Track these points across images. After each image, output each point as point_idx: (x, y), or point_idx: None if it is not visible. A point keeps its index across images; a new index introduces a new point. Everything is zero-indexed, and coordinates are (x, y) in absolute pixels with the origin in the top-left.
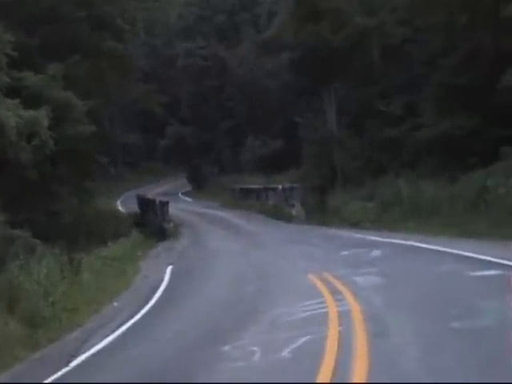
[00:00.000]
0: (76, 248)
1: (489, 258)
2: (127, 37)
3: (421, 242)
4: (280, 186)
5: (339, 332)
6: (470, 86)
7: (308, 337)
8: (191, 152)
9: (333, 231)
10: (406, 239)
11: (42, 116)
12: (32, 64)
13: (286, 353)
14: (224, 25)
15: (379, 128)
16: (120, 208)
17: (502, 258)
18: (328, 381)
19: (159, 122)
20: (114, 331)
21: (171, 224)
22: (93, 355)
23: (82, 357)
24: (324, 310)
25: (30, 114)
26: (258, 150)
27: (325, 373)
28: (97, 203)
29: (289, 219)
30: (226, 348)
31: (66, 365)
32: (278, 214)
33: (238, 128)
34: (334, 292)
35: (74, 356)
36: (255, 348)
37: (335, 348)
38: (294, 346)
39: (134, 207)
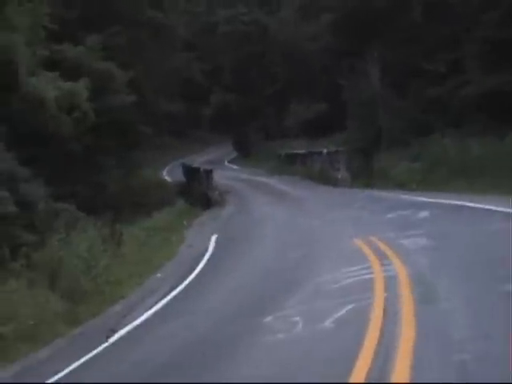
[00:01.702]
0: (121, 219)
1: None
2: (167, 5)
3: (469, 201)
4: (325, 150)
5: (385, 299)
6: None
7: (352, 305)
8: (236, 119)
9: (379, 193)
10: (453, 199)
11: (82, 88)
12: (71, 36)
13: (329, 323)
14: None
15: (424, 87)
16: (166, 177)
17: None
18: (372, 352)
19: (203, 91)
20: (155, 304)
21: (216, 192)
22: (132, 329)
23: (122, 331)
24: (370, 276)
25: (69, 86)
26: (302, 114)
27: (369, 345)
28: (142, 173)
29: (335, 183)
30: (268, 319)
31: (106, 340)
32: (324, 179)
33: (282, 93)
34: (381, 256)
35: (114, 331)
36: (297, 318)
37: (380, 317)
38: (338, 315)
39: (180, 176)
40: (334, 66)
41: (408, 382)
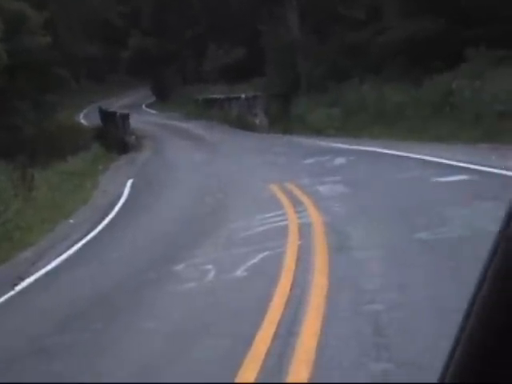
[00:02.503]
0: (36, 163)
1: (455, 163)
2: None
3: (386, 147)
4: (243, 95)
5: (298, 246)
6: None
7: (266, 253)
8: (154, 63)
9: (296, 139)
10: (370, 145)
11: None
12: None
13: (241, 271)
14: None
15: (343, 33)
16: (83, 121)
17: (468, 163)
18: (283, 302)
19: (121, 34)
20: (66, 251)
21: (133, 137)
22: (40, 277)
23: (30, 279)
24: (284, 223)
25: None
26: (221, 59)
27: (280, 294)
28: (59, 117)
29: (252, 128)
30: (180, 267)
31: (12, 288)
32: (242, 124)
33: (201, 37)
34: (296, 203)
35: (22, 278)
36: (209, 266)
37: (293, 265)
38: (250, 263)
39: (98, 121)
40: (254, 12)
41: (319, 332)
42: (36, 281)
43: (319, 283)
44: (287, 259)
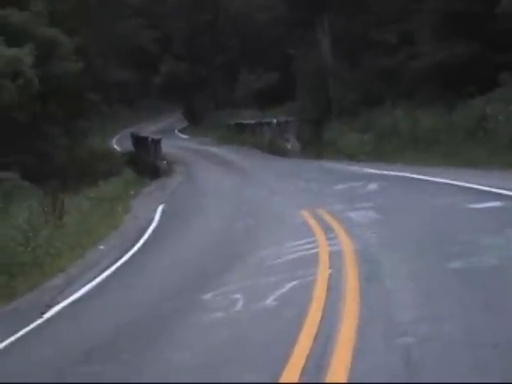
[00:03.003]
0: (67, 189)
1: (489, 189)
2: None
3: (418, 173)
4: (275, 120)
5: (329, 275)
6: (467, 12)
7: (295, 282)
8: (186, 88)
9: (328, 164)
10: (403, 171)
11: (25, 54)
12: (16, 1)
13: (270, 301)
14: None
15: (375, 58)
16: (115, 147)
17: (502, 188)
18: (312, 334)
19: (153, 59)
20: (95, 277)
21: (164, 161)
22: (69, 305)
23: (59, 306)
24: (315, 251)
25: (12, 52)
26: (253, 84)
27: (310, 326)
28: (91, 142)
29: (284, 153)
30: (208, 296)
31: (40, 316)
32: (273, 149)
33: (233, 63)
34: (327, 230)
35: (50, 306)
36: (238, 296)
37: (323, 295)
38: (280, 292)
39: (130, 146)
40: (286, 37)
41: (349, 366)
42: (64, 308)
43: (350, 314)
44: (317, 289)
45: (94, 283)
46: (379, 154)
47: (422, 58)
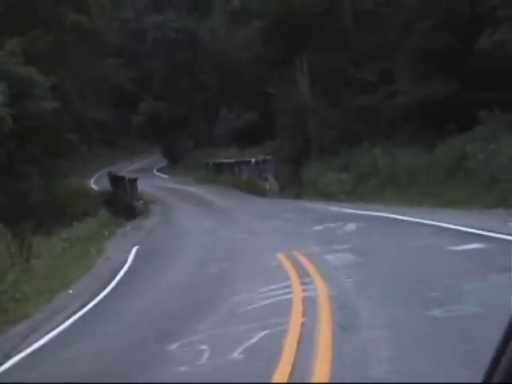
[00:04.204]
0: (42, 229)
1: (469, 230)
2: (92, 10)
3: (398, 213)
4: (253, 160)
5: (302, 324)
6: (445, 50)
7: (266, 331)
8: (166, 127)
9: (307, 204)
10: (382, 211)
11: None
12: None
13: (237, 353)
14: None
15: (354, 96)
16: (93, 186)
17: (483, 230)
18: None
19: (132, 98)
20: (60, 324)
21: (141, 201)
22: (29, 355)
23: (18, 357)
24: (288, 296)
25: None
26: (232, 123)
27: (278, 380)
28: (68, 182)
29: (262, 193)
30: (174, 347)
31: None
32: (252, 188)
33: (212, 101)
34: (303, 273)
35: (8, 356)
36: (204, 346)
37: (294, 347)
38: (249, 343)
39: (108, 185)
40: (265, 75)
41: None
42: (23, 359)
43: (321, 368)
44: (288, 340)
45: (58, 330)
46: (359, 193)
47: (400, 97)
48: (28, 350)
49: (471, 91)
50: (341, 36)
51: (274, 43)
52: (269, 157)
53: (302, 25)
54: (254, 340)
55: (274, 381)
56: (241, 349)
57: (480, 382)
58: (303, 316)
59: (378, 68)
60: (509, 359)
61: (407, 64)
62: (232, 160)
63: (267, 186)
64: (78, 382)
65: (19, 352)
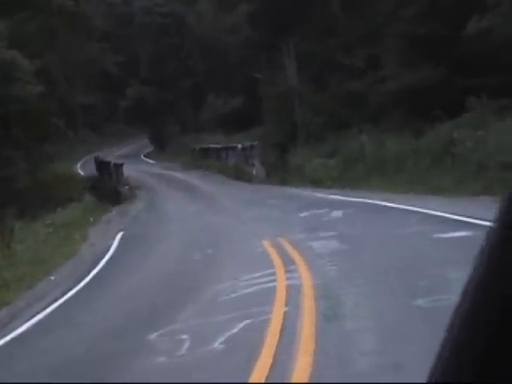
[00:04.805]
0: (27, 215)
1: (457, 217)
2: None
3: (385, 200)
4: (239, 145)
5: (284, 314)
6: (433, 36)
7: (248, 321)
8: (153, 112)
9: (293, 190)
10: (369, 198)
11: None
12: None
13: (218, 343)
14: None
15: (341, 82)
16: (80, 171)
17: (471, 217)
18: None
19: (119, 83)
20: (41, 311)
21: (126, 187)
22: (7, 343)
23: None
24: (272, 284)
25: None
26: (219, 108)
27: (259, 372)
28: (55, 167)
29: (249, 179)
30: (153, 336)
31: None
32: (238, 174)
33: (199, 86)
34: (287, 261)
35: None
36: (185, 336)
37: (276, 338)
38: (230, 333)
39: (94, 170)
40: (253, 60)
41: None
42: (1, 347)
43: (303, 361)
44: (270, 330)
45: (37, 318)
46: (345, 179)
47: (388, 83)
48: (6, 338)
49: (459, 77)
50: (329, 21)
51: (261, 27)
52: (255, 143)
53: (289, 9)
54: (235, 330)
55: (254, 373)
56: (222, 339)
57: None
58: (286, 305)
59: (365, 53)
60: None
61: (395, 50)
62: (219, 146)
63: (254, 172)
64: (51, 372)
65: None
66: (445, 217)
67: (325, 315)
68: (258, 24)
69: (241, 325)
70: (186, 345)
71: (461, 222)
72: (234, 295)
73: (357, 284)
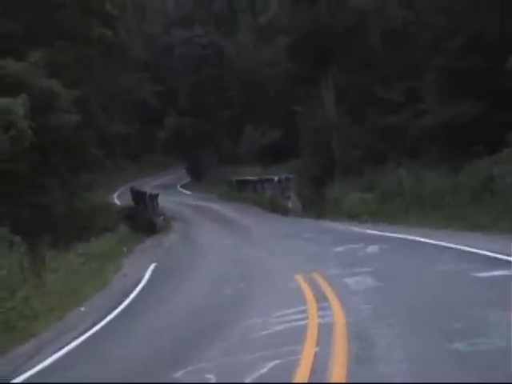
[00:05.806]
0: (62, 244)
1: (496, 255)
2: (118, 24)
3: (422, 236)
4: (276, 178)
5: (315, 354)
6: (474, 70)
7: (277, 361)
8: (190, 143)
9: (329, 224)
10: (406, 233)
11: (18, 104)
12: (15, 51)
13: None
14: (221, 11)
15: (380, 115)
16: (116, 201)
17: (510, 255)
18: None
19: (158, 113)
20: (68, 343)
21: (161, 217)
22: (32, 376)
23: (20, 378)
24: (303, 322)
25: (4, 102)
26: (257, 140)
27: None
28: (91, 196)
29: (285, 212)
30: (178, 374)
31: None
32: (274, 207)
33: (237, 118)
34: (320, 297)
35: (8, 378)
36: (211, 376)
37: (306, 379)
38: (258, 374)
39: (130, 200)
40: (291, 92)
41: None
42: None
43: None
44: (300, 371)
45: (65, 350)
46: (382, 214)
47: (427, 117)
48: (29, 373)
49: (499, 112)
50: (368, 54)
51: (300, 60)
52: (292, 175)
53: (328, 42)
54: (264, 370)
55: None
56: (249, 379)
57: None
58: (317, 345)
59: (404, 87)
60: None
61: (434, 83)
62: (255, 178)
63: (290, 205)
64: None
65: (20, 374)
66: (483, 254)
67: (357, 357)
68: (296, 56)
69: (270, 364)
70: None
71: (500, 261)
72: (264, 332)
73: (391, 324)
